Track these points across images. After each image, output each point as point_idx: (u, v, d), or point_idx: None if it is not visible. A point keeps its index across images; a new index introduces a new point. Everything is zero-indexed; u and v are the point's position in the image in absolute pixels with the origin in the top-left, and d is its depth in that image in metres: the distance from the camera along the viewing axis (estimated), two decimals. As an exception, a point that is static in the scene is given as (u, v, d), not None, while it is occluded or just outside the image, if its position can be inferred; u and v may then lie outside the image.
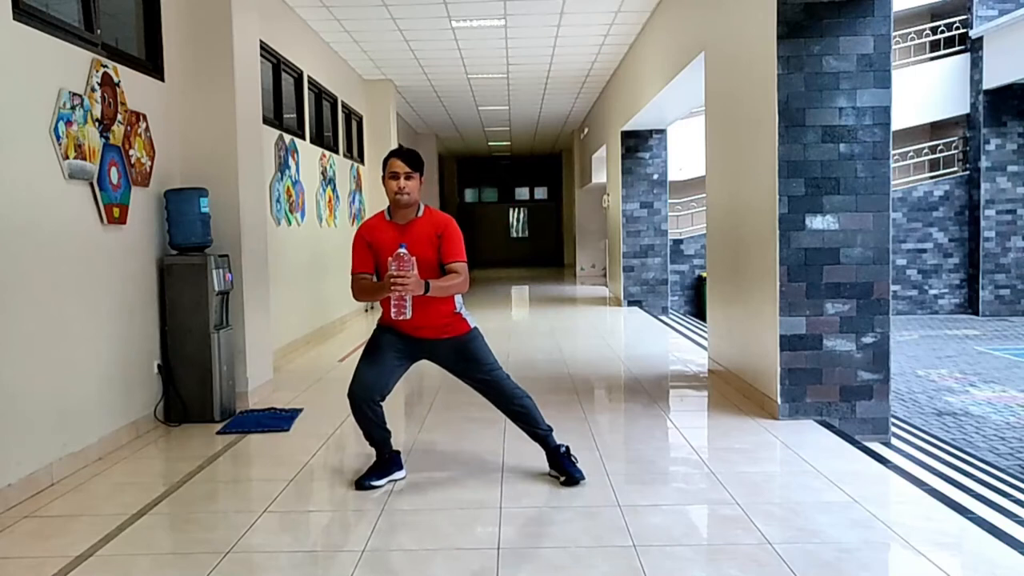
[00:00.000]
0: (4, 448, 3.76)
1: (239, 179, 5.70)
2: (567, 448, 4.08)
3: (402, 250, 3.64)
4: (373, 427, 4.00)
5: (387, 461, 4.07)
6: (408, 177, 3.83)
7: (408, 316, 3.70)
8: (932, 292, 15.79)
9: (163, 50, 5.46)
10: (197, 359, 5.29)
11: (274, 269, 7.23)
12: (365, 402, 3.92)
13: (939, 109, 15.99)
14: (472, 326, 4.01)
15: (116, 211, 4.77)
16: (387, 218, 3.95)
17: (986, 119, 15.10)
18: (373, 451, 4.09)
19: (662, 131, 12.21)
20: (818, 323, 5.08)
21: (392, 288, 3.61)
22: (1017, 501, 4.07)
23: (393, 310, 3.70)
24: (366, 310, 12.33)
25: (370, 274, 3.92)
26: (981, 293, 15.20)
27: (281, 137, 8.15)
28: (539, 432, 4.06)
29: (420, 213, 3.93)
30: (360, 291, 3.91)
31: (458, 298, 3.97)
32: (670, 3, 8.36)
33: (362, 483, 3.97)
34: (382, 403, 3.97)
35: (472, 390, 4.12)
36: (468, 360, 3.99)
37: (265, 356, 6.27)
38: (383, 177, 3.91)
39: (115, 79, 4.79)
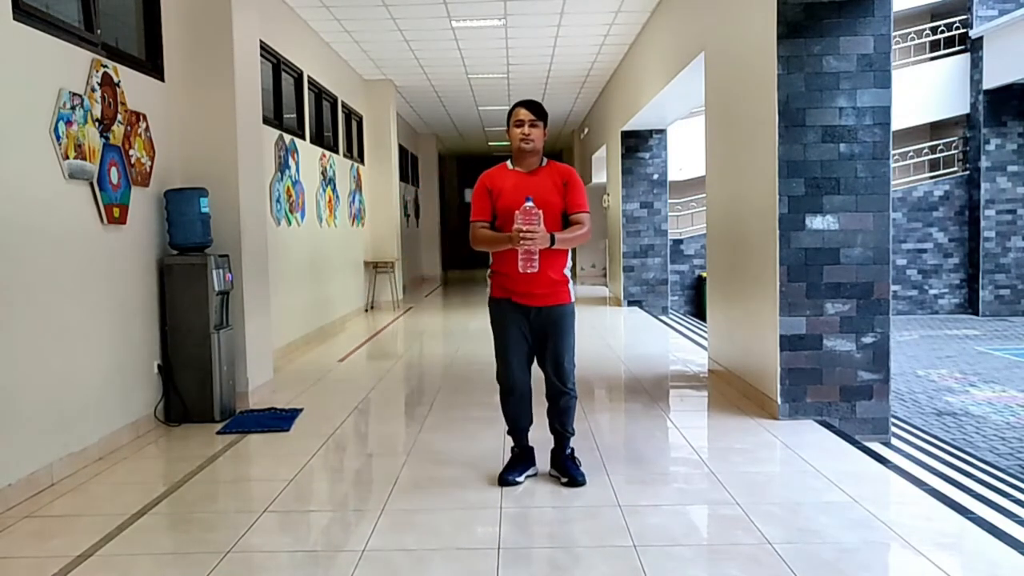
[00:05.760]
0: (4, 448, 3.76)
1: (239, 179, 5.70)
2: (572, 450, 4.10)
3: (529, 203, 3.67)
4: (525, 413, 4.03)
5: (527, 451, 4.09)
6: (532, 125, 3.88)
7: (536, 269, 3.74)
8: (932, 292, 15.79)
9: (163, 50, 5.46)
10: (197, 359, 5.29)
11: (274, 269, 7.24)
12: (524, 384, 3.96)
13: (939, 109, 16.00)
14: (572, 299, 4.00)
15: (116, 211, 4.77)
16: (510, 167, 3.98)
17: (986, 119, 15.11)
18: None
19: (662, 131, 12.21)
20: (818, 323, 5.08)
21: (520, 242, 3.65)
22: (1017, 501, 4.07)
23: (521, 263, 3.73)
24: (366, 310, 12.33)
25: (487, 222, 3.93)
26: (981, 293, 15.20)
27: (281, 137, 8.15)
28: (565, 432, 4.04)
29: (543, 163, 3.97)
30: (478, 240, 3.91)
31: (569, 263, 4.00)
32: (670, 3, 8.36)
33: (505, 479, 3.96)
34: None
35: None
36: (554, 328, 3.93)
37: (265, 356, 6.27)
38: (507, 128, 3.95)
39: (115, 79, 4.79)
